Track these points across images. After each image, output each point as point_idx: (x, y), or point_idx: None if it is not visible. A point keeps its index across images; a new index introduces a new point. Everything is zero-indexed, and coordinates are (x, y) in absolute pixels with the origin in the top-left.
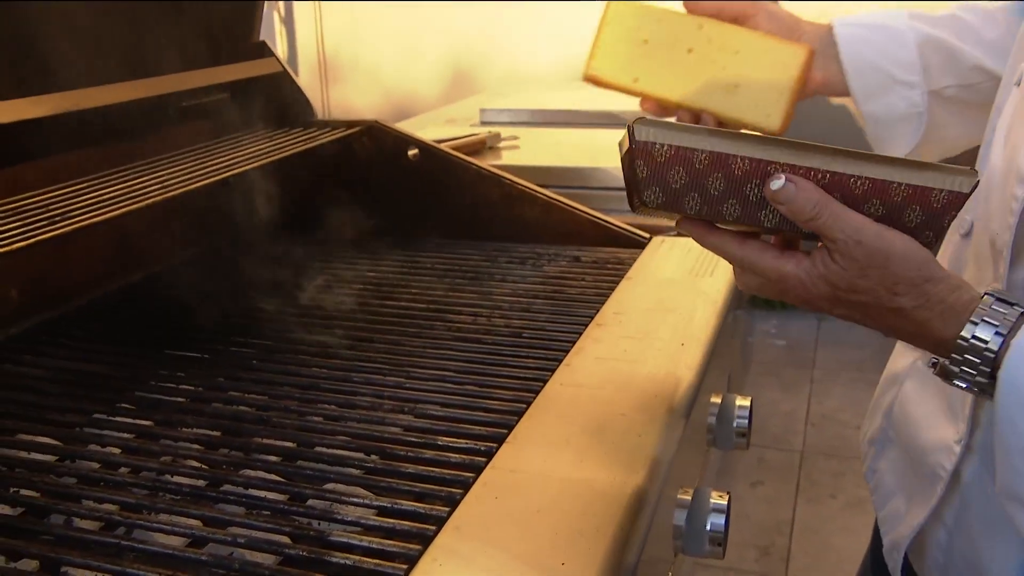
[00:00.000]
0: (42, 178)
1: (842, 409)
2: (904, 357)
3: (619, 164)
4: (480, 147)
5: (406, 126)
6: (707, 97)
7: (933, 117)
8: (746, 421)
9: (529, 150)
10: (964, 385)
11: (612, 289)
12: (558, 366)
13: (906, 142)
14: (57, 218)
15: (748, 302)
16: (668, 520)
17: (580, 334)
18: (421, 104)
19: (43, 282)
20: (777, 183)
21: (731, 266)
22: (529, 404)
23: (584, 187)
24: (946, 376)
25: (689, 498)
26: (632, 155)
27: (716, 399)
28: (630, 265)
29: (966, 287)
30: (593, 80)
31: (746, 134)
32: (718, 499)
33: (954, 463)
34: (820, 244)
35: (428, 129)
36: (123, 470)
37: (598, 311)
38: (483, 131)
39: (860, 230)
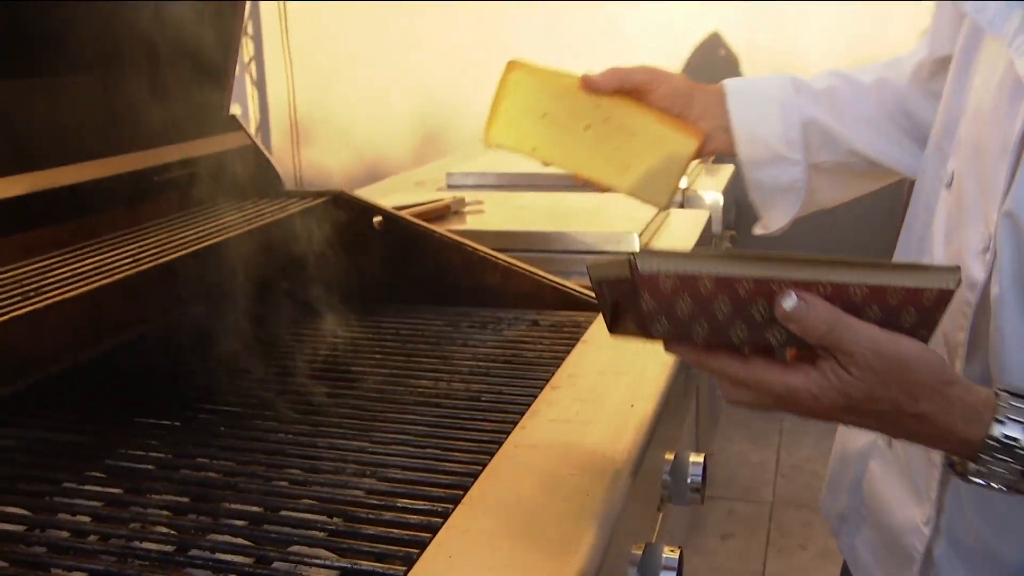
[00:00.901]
0: (16, 253)
1: (812, 459)
2: (860, 435)
3: (576, 227)
4: (445, 212)
5: (375, 190)
6: (600, 171)
7: (811, 184)
8: (700, 477)
9: (493, 214)
10: (984, 483)
11: (568, 352)
12: (513, 428)
13: (788, 210)
14: (31, 293)
15: None
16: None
17: (535, 397)
18: (392, 164)
19: (15, 353)
20: (789, 302)
21: (716, 379)
22: (484, 466)
23: (547, 250)
24: (964, 474)
25: (640, 553)
26: (636, 288)
27: (669, 456)
28: (586, 328)
29: (975, 385)
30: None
31: (744, 253)
32: (670, 554)
33: (925, 544)
34: (825, 356)
35: (397, 194)
36: (92, 538)
37: (553, 374)
38: (448, 196)
39: (876, 340)
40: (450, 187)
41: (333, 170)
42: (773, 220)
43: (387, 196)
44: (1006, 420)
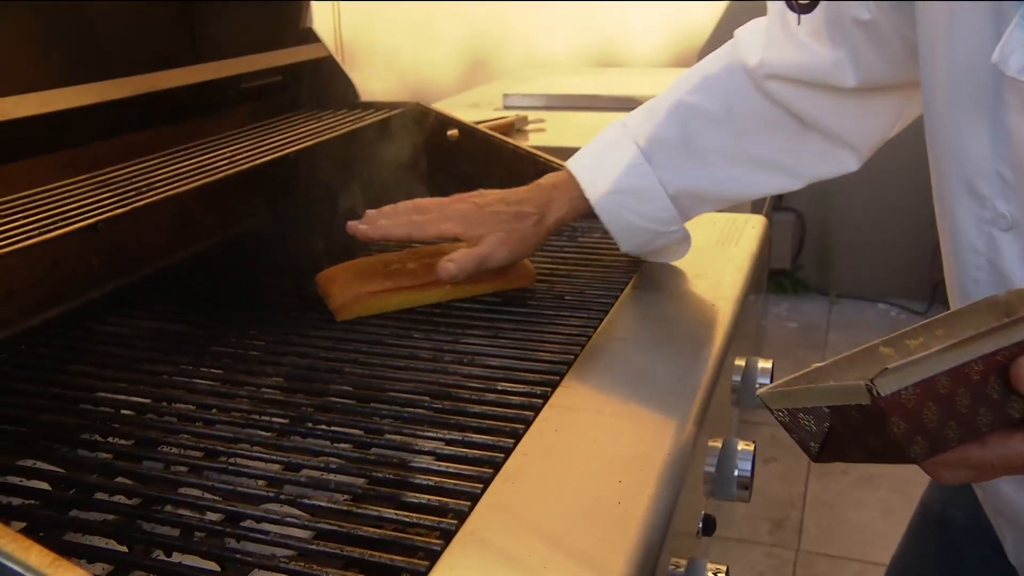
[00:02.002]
0: (118, 155)
1: None
2: None
3: None
4: (509, 129)
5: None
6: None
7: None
8: (768, 382)
9: (556, 132)
10: None
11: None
12: (600, 324)
13: (678, 254)
14: (144, 189)
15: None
16: (700, 465)
17: (618, 297)
18: (439, 90)
19: (117, 252)
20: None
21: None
22: (576, 356)
23: None
24: None
25: (719, 446)
26: (882, 415)
27: (740, 362)
28: None
29: None
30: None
31: (960, 338)
32: (745, 447)
33: None
34: None
35: (455, 113)
36: (214, 411)
37: (633, 276)
38: (510, 114)
39: None
40: (507, 108)
41: (379, 95)
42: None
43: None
44: None
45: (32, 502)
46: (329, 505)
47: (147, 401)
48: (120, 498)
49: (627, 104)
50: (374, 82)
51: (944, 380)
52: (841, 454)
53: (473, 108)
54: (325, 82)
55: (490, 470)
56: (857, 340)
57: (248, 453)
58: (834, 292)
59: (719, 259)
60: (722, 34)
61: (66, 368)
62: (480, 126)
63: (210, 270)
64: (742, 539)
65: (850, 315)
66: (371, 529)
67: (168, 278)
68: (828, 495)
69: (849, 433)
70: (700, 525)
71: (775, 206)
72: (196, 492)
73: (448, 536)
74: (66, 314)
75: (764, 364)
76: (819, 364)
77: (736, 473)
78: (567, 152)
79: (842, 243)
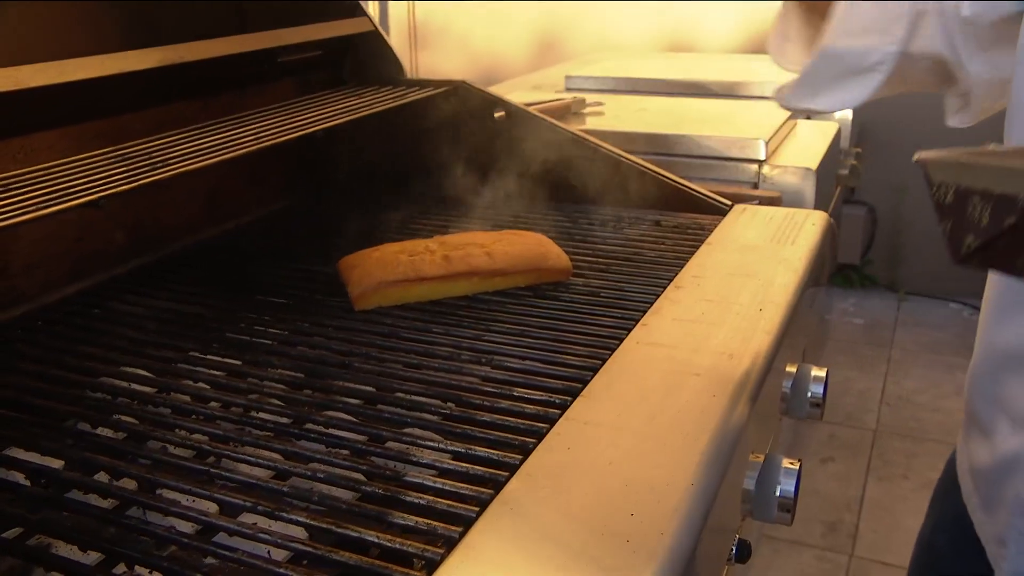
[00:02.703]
0: (148, 127)
1: (920, 391)
2: (1012, 436)
3: (700, 132)
4: (564, 112)
5: (491, 90)
6: None
7: None
8: (821, 391)
9: (613, 116)
10: None
11: (692, 253)
12: (635, 325)
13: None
14: (159, 164)
15: (827, 279)
16: (738, 483)
17: (658, 296)
18: (508, 71)
19: (144, 227)
20: None
21: None
22: (604, 361)
23: (667, 154)
24: None
25: (760, 462)
26: None
27: (791, 368)
28: (711, 231)
29: None
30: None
31: None
32: (789, 465)
33: None
34: None
35: (514, 94)
36: (213, 404)
37: (677, 274)
38: (568, 96)
39: None
40: (568, 90)
41: (449, 74)
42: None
43: (506, 95)
44: None
45: (6, 497)
46: (308, 521)
47: (147, 390)
48: (94, 497)
49: (691, 89)
50: (445, 63)
51: None
52: (1007, 262)
53: (535, 90)
54: (370, 58)
55: (490, 491)
56: (925, 340)
57: (236, 455)
58: (903, 289)
59: (772, 259)
60: None
61: (75, 348)
62: (533, 108)
63: (236, 250)
64: (794, 541)
65: (919, 314)
66: (347, 554)
67: (193, 256)
68: (887, 499)
69: None
70: (733, 551)
71: (846, 199)
72: (174, 495)
73: (432, 567)
74: (87, 290)
75: (818, 372)
76: (996, 145)
77: (778, 493)
78: (622, 137)
79: (914, 239)
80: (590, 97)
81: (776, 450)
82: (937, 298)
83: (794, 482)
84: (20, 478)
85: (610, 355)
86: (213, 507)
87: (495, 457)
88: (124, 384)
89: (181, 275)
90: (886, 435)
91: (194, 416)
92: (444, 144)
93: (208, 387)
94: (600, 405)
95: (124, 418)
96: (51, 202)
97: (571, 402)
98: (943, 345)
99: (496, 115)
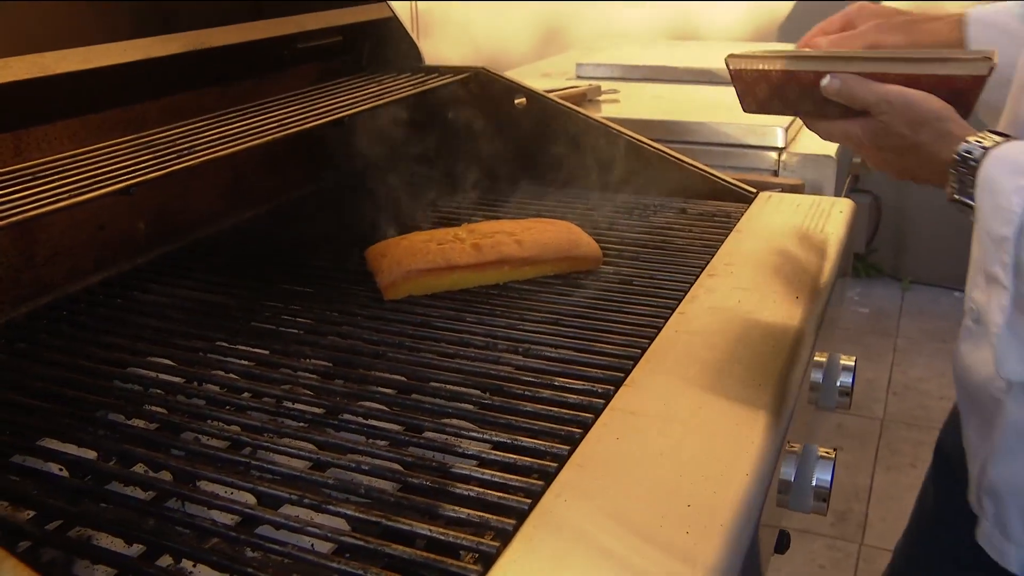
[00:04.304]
0: (167, 115)
1: (925, 379)
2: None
3: (717, 119)
4: (580, 99)
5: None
6: None
7: None
8: (850, 381)
9: (629, 104)
10: (958, 199)
11: (721, 241)
12: (671, 314)
13: None
14: (184, 152)
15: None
16: (775, 473)
17: (691, 284)
18: (511, 59)
19: (167, 217)
20: (827, 81)
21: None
22: (644, 350)
23: (687, 141)
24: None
25: (798, 452)
26: (732, 77)
27: (820, 358)
28: (737, 218)
29: (969, 126)
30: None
31: (809, 54)
32: (825, 455)
33: None
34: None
35: (526, 82)
36: (245, 395)
37: (708, 262)
38: (583, 84)
39: (890, 91)
40: (579, 77)
41: (452, 62)
42: None
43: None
44: (971, 141)
45: (45, 488)
46: (356, 514)
47: (178, 380)
48: (134, 490)
49: (703, 77)
50: (447, 51)
51: (776, 75)
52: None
53: (545, 78)
54: (388, 44)
55: (540, 482)
56: (930, 328)
57: (275, 446)
58: (908, 278)
59: (804, 245)
60: (804, 8)
61: (101, 339)
62: (551, 95)
63: (260, 238)
64: (804, 530)
65: (923, 302)
66: (400, 547)
67: (216, 245)
68: (895, 489)
69: (740, 92)
70: (774, 541)
71: (851, 188)
72: (213, 487)
73: (488, 561)
74: (111, 279)
75: (846, 361)
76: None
77: (815, 483)
78: (640, 124)
79: (918, 228)
80: (604, 85)
81: (811, 440)
82: (942, 287)
83: (830, 472)
84: (54, 469)
85: (649, 344)
86: (252, 499)
87: (543, 448)
88: (152, 375)
89: (204, 264)
90: (893, 424)
91: (227, 407)
92: (464, 131)
93: (239, 377)
94: (645, 394)
95: (156, 408)
96: (81, 190)
97: (614, 392)
98: (948, 333)
99: (516, 102)
